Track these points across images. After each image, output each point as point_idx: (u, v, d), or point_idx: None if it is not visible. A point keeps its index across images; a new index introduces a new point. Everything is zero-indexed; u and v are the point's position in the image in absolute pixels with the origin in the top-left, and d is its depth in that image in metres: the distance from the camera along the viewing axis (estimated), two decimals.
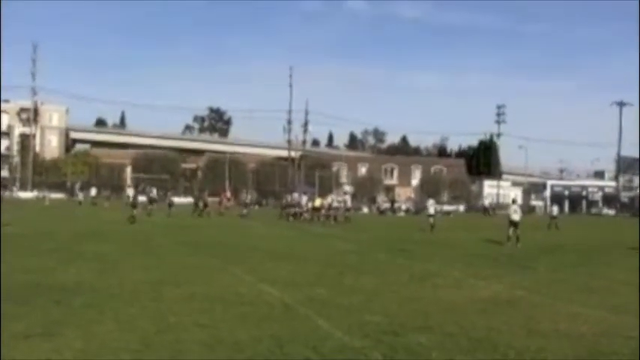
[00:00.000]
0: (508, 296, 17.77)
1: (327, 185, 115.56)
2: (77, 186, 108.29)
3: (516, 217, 35.31)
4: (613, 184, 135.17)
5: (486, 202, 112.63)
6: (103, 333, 11.81)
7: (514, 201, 39.46)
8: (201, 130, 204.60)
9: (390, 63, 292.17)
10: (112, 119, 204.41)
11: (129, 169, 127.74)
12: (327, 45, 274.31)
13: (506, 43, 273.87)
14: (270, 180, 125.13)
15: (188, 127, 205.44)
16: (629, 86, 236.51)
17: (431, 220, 45.66)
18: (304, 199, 62.65)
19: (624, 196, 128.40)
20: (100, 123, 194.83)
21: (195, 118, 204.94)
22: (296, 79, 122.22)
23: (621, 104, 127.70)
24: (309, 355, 10.71)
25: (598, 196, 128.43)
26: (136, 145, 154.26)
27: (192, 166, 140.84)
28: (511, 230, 34.78)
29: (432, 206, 48.36)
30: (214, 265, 23.08)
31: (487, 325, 13.47)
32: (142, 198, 63.75)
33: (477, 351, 11.32)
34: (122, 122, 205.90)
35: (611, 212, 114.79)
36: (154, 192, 66.46)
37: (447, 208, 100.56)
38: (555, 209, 55.90)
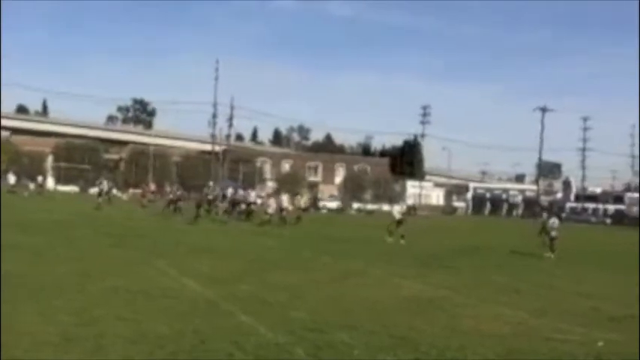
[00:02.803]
0: (431, 295, 17.93)
1: (251, 180, 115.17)
2: None
3: (399, 217, 37.54)
4: (534, 187, 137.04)
5: (409, 202, 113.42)
6: (24, 326, 11.60)
7: (399, 203, 41.06)
8: (125, 121, 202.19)
9: (317, 60, 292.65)
10: (33, 106, 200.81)
11: (50, 158, 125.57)
12: (255, 41, 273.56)
13: (433, 44, 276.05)
14: (193, 174, 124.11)
15: (111, 118, 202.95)
16: (551, 92, 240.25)
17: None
18: (252, 194, 61.14)
19: (544, 200, 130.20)
20: (21, 110, 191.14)
21: (119, 109, 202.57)
22: (222, 73, 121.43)
23: (544, 110, 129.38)
24: (232, 351, 10.66)
25: (518, 199, 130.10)
26: (58, 133, 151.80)
27: (115, 157, 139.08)
28: (400, 228, 36.40)
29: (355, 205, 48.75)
30: (138, 258, 22.82)
31: (409, 323, 13.58)
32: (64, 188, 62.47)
33: (399, 349, 11.39)
34: (44, 110, 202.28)
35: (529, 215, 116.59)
36: (105, 184, 64.98)
37: (370, 207, 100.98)
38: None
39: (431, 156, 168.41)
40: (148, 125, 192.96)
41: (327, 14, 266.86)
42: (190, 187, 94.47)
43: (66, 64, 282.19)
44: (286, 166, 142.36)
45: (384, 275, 21.91)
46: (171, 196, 57.45)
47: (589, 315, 15.92)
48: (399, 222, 37.23)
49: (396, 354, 11.07)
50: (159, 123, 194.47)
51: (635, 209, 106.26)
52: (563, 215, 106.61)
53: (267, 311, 14.10)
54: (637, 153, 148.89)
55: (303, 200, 56.17)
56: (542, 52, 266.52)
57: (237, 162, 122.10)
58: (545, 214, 37.88)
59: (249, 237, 35.96)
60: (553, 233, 31.64)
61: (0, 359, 9.83)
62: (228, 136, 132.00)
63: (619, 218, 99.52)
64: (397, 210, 39.05)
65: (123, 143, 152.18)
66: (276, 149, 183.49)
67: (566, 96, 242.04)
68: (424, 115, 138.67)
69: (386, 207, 40.83)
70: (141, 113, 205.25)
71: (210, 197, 58.15)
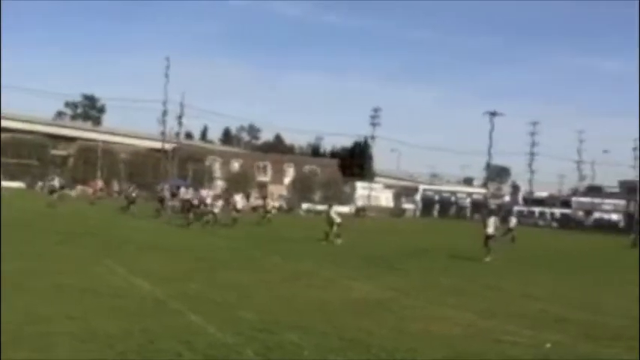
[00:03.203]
0: (380, 297, 17.99)
1: (200, 179, 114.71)
2: None
3: (338, 219, 37.71)
4: (482, 190, 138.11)
5: (359, 203, 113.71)
6: None
7: (330, 205, 41.27)
8: (74, 117, 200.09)
9: (267, 60, 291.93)
10: None
11: None
12: (205, 40, 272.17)
13: (385, 46, 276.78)
14: (142, 171, 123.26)
15: (60, 113, 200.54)
16: (501, 97, 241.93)
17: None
18: (206, 193, 60.26)
19: (492, 203, 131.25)
20: None
21: (68, 104, 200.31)
22: (173, 71, 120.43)
23: (493, 114, 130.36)
24: (182, 351, 10.61)
25: (467, 202, 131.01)
26: (5, 128, 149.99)
27: (63, 153, 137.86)
28: (335, 229, 36.64)
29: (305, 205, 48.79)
30: (86, 255, 22.63)
31: (359, 325, 13.59)
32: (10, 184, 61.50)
33: (349, 351, 11.40)
34: None
35: (477, 218, 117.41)
36: (57, 181, 64.17)
37: (319, 207, 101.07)
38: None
39: (381, 158, 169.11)
40: (97, 122, 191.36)
41: (278, 14, 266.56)
42: (141, 186, 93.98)
43: (14, 58, 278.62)
44: (236, 166, 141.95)
45: (333, 276, 21.93)
46: (134, 194, 57.16)
47: (537, 317, 16.06)
48: (338, 224, 37.51)
49: (346, 355, 11.07)
50: (108, 120, 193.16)
51: (581, 213, 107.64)
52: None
53: (216, 311, 14.05)
54: (584, 158, 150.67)
55: (275, 204, 55.45)
56: (492, 57, 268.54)
57: (186, 160, 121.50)
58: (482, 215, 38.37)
59: (200, 236, 35.81)
60: (489, 230, 31.44)
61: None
62: (177, 135, 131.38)
63: (565, 222, 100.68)
64: (335, 212, 39.09)
65: (71, 139, 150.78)
66: (226, 148, 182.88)
67: (515, 100, 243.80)
68: (374, 116, 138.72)
69: (336, 208, 41.44)
70: (90, 109, 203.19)
71: (160, 196, 57.92)
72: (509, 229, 46.62)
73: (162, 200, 58.28)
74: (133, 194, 59.38)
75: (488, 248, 30.60)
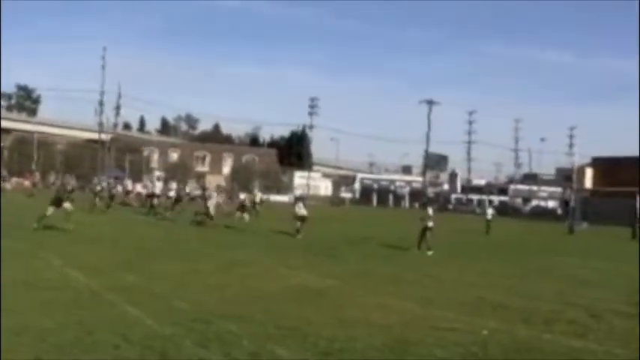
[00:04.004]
0: (319, 286, 17.97)
1: (138, 170, 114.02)
2: None
3: (304, 212, 36.71)
4: (420, 179, 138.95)
5: (297, 192, 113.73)
6: None
7: (301, 198, 40.72)
8: (8, 108, 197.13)
9: (205, 50, 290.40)
10: None
11: None
12: (143, 29, 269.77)
13: (323, 37, 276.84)
14: (79, 163, 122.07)
15: None
16: (439, 85, 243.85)
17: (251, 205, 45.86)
18: (158, 185, 59.29)
19: (431, 191, 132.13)
20: None
21: (2, 95, 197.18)
22: (110, 61, 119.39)
23: (430, 102, 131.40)
24: (119, 343, 10.49)
25: (405, 190, 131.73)
26: None
27: None
28: (298, 224, 35.55)
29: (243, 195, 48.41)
30: (21, 248, 22.25)
31: (297, 314, 13.57)
32: None
33: (288, 339, 11.37)
34: None
35: (416, 206, 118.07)
36: None
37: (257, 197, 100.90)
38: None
39: (319, 147, 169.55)
40: (33, 113, 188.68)
41: (216, 4, 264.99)
42: (78, 177, 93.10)
43: None
44: (174, 156, 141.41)
45: (272, 265, 21.92)
46: (69, 187, 56.43)
47: (475, 304, 16.17)
48: (303, 218, 36.64)
49: (285, 344, 11.02)
50: (44, 111, 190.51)
51: (519, 201, 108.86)
52: (450, 207, 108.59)
53: (154, 302, 13.93)
54: (520, 146, 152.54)
55: (258, 197, 53.95)
56: (431, 46, 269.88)
57: (124, 151, 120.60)
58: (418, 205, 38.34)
59: (137, 227, 35.50)
60: (429, 223, 31.05)
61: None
62: (115, 125, 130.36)
63: (503, 209, 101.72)
64: (299, 206, 38.56)
65: (6, 131, 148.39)
66: (164, 139, 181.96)
67: (453, 89, 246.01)
68: (312, 106, 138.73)
69: (274, 198, 41.33)
70: (25, 100, 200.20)
71: (98, 188, 57.34)
72: (488, 221, 46.27)
73: (96, 193, 57.72)
74: (69, 186, 58.74)
75: (427, 240, 30.04)
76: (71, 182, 61.16)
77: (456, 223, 46.50)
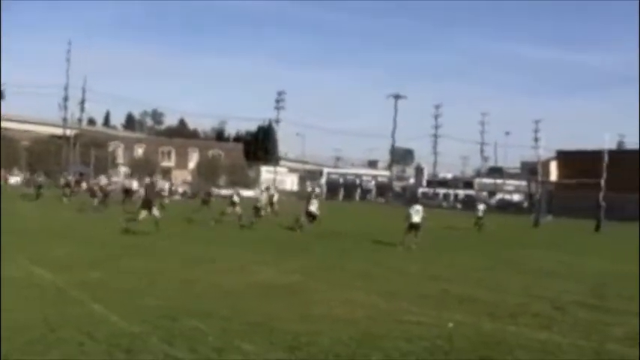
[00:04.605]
0: (285, 281, 17.99)
1: (103, 165, 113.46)
2: None
3: (260, 203, 38.95)
4: (386, 173, 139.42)
5: (263, 187, 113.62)
6: None
7: (267, 188, 41.25)
8: None
9: (170, 44, 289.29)
10: None
11: None
12: (108, 24, 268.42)
13: (289, 29, 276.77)
14: (43, 158, 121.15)
15: None
16: (405, 80, 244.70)
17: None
18: (135, 183, 58.75)
19: (397, 185, 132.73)
20: None
21: None
22: (74, 55, 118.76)
23: (397, 97, 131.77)
24: (84, 341, 10.43)
25: (372, 185, 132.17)
26: None
27: None
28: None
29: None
30: None
31: (264, 309, 13.58)
32: None
33: (254, 335, 11.36)
34: None
35: (382, 200, 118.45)
36: None
37: (224, 192, 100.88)
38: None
39: (285, 141, 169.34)
40: None
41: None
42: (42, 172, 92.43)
43: None
44: (139, 151, 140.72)
45: (239, 261, 21.85)
46: (40, 179, 56.40)
47: (441, 297, 16.25)
48: (258, 209, 37.56)
49: (251, 340, 11.02)
50: (7, 106, 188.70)
51: (484, 194, 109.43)
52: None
53: (119, 299, 13.86)
54: (486, 140, 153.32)
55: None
56: (396, 40, 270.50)
57: (88, 146, 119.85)
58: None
59: (106, 222, 35.28)
60: (416, 219, 30.87)
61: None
62: (80, 120, 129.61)
63: (469, 203, 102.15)
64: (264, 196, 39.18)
65: None
66: (129, 134, 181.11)
67: (419, 84, 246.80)
68: (279, 100, 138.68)
69: (241, 192, 41.88)
70: None
71: (66, 182, 57.24)
72: (479, 218, 45.76)
73: (67, 185, 57.56)
74: (40, 179, 58.63)
75: (412, 236, 29.79)
76: (40, 179, 60.78)
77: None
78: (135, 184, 56.77)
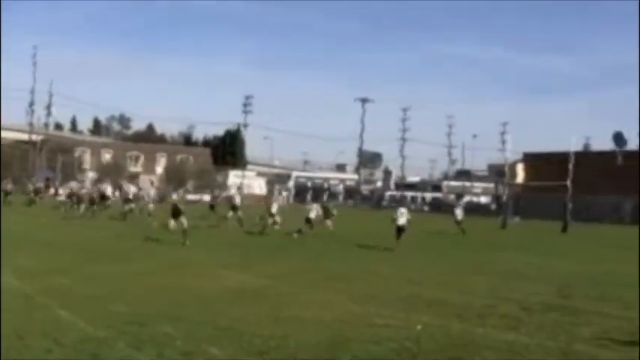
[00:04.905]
0: (255, 285, 18.01)
1: (70, 171, 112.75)
2: None
3: (312, 215, 36.71)
4: (354, 177, 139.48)
5: (232, 191, 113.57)
6: None
7: (239, 188, 41.32)
8: None
9: (136, 48, 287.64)
10: None
11: None
12: (74, 27, 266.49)
13: (256, 32, 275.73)
14: (9, 164, 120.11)
15: None
16: (373, 83, 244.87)
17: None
18: (109, 188, 58.07)
19: (365, 188, 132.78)
20: None
21: None
22: (40, 60, 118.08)
23: (364, 100, 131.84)
24: (51, 347, 10.41)
25: (340, 188, 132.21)
26: None
27: None
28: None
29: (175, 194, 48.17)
30: None
31: (234, 313, 13.60)
32: None
33: (223, 339, 11.38)
34: None
35: (350, 203, 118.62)
36: None
37: (191, 197, 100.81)
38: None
39: (254, 145, 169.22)
40: None
41: (148, 2, 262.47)
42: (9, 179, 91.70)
43: None
44: (106, 156, 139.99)
45: (208, 265, 21.86)
46: (9, 186, 56.08)
47: (410, 300, 16.30)
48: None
49: (220, 344, 11.03)
50: None
51: (452, 197, 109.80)
52: (384, 204, 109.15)
53: (87, 305, 13.81)
54: (454, 143, 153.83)
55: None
56: (365, 44, 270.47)
57: (55, 152, 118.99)
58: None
59: (79, 228, 35.08)
60: (402, 221, 31.05)
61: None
62: (46, 125, 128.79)
63: (437, 205, 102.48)
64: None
65: None
66: (96, 139, 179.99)
67: (386, 86, 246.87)
68: (247, 104, 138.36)
69: (208, 197, 41.95)
70: None
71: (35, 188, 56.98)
72: (459, 222, 45.53)
73: (37, 192, 57.26)
74: (9, 186, 58.29)
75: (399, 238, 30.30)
76: (9, 185, 60.37)
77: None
78: (109, 190, 56.14)
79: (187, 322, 12.50)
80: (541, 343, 12.05)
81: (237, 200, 42.25)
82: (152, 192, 47.88)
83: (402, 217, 30.78)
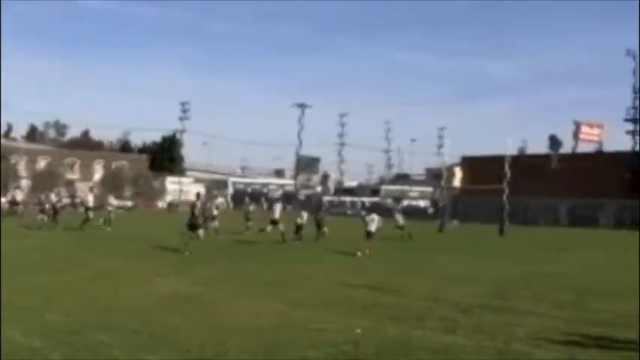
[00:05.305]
0: (189, 292, 17.91)
1: (4, 178, 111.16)
2: None
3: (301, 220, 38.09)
4: (292, 182, 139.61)
5: (169, 198, 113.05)
6: None
7: (198, 194, 40.75)
8: None
9: (72, 54, 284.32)
10: None
11: None
12: (7, 33, 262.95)
13: (192, 38, 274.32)
14: None
15: None
16: (310, 88, 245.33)
17: (112, 216, 44.84)
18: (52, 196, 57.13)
19: (303, 193, 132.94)
20: None
21: None
22: None
23: (302, 106, 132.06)
24: None
25: (278, 193, 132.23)
26: None
27: None
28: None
29: (114, 201, 47.65)
30: None
31: (169, 321, 13.51)
32: None
33: (159, 347, 11.29)
34: None
35: (289, 209, 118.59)
36: None
37: (128, 203, 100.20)
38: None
39: (191, 151, 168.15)
40: None
41: (82, 5, 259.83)
42: None
43: None
44: (42, 164, 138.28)
45: (143, 273, 21.70)
46: None
47: (347, 303, 16.33)
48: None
49: (156, 352, 10.94)
50: None
51: (390, 201, 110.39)
52: (323, 209, 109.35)
53: (22, 315, 13.59)
54: (391, 147, 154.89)
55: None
56: (301, 49, 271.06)
57: None
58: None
59: (8, 239, 34.59)
60: (372, 227, 31.56)
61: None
62: None
63: (376, 210, 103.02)
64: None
65: None
66: (32, 146, 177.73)
67: (324, 92, 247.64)
68: (184, 110, 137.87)
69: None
70: None
71: None
72: (401, 227, 45.35)
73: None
74: None
75: (370, 243, 30.84)
76: None
77: (329, 225, 46.41)
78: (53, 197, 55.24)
79: (123, 331, 12.39)
80: (478, 344, 12.15)
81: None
82: (90, 198, 47.06)
83: (373, 223, 31.70)
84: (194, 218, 30.14)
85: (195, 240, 29.50)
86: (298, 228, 36.81)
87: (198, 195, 34.15)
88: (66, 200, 68.88)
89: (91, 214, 43.12)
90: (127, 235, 37.77)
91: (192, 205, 31.95)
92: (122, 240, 34.97)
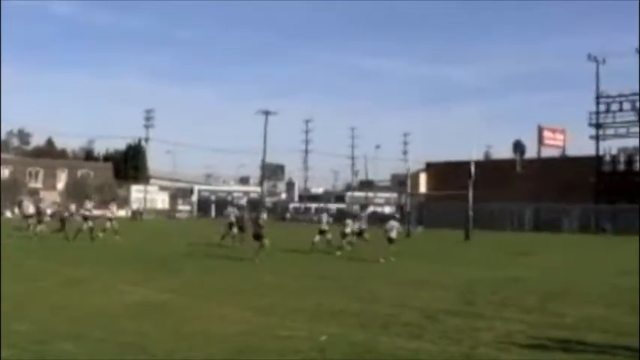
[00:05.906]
0: (157, 300, 17.87)
1: None
2: None
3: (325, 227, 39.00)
4: (258, 189, 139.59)
5: (134, 206, 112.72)
6: None
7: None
8: None
9: (34, 61, 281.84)
10: None
11: None
12: None
13: (154, 47, 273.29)
14: None
15: None
16: (274, 94, 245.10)
17: (86, 225, 44.52)
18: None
19: (268, 201, 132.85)
20: None
21: None
22: None
23: (267, 113, 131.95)
24: None
25: (243, 201, 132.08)
26: None
27: None
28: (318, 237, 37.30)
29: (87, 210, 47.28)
30: None
31: (136, 329, 13.48)
32: None
33: (126, 355, 11.31)
34: None
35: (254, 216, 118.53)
36: None
37: (95, 212, 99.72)
38: None
39: (156, 159, 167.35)
40: None
41: (47, 13, 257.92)
42: None
43: None
44: (5, 172, 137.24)
45: (110, 281, 21.58)
46: None
47: (313, 310, 16.36)
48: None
49: None
50: None
51: (356, 207, 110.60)
52: (288, 216, 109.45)
53: None
54: (356, 154, 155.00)
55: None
56: (266, 54, 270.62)
57: None
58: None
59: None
60: (393, 234, 32.96)
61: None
62: None
63: (340, 216, 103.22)
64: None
65: None
66: None
67: (290, 98, 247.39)
68: (148, 118, 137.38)
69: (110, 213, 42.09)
70: None
71: None
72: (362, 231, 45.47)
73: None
74: None
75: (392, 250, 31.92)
76: None
77: (291, 233, 46.41)
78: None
79: (90, 339, 12.36)
80: (444, 349, 12.24)
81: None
82: (49, 210, 46.77)
83: (393, 230, 32.94)
84: (259, 228, 31.00)
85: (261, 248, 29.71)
86: (343, 235, 36.98)
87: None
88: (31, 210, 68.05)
89: (90, 223, 42.74)
90: (91, 243, 37.54)
91: (256, 217, 33.60)
92: (88, 248, 34.81)
